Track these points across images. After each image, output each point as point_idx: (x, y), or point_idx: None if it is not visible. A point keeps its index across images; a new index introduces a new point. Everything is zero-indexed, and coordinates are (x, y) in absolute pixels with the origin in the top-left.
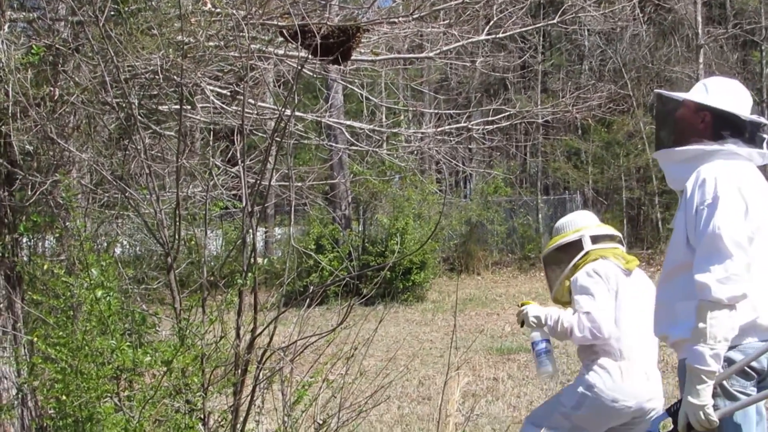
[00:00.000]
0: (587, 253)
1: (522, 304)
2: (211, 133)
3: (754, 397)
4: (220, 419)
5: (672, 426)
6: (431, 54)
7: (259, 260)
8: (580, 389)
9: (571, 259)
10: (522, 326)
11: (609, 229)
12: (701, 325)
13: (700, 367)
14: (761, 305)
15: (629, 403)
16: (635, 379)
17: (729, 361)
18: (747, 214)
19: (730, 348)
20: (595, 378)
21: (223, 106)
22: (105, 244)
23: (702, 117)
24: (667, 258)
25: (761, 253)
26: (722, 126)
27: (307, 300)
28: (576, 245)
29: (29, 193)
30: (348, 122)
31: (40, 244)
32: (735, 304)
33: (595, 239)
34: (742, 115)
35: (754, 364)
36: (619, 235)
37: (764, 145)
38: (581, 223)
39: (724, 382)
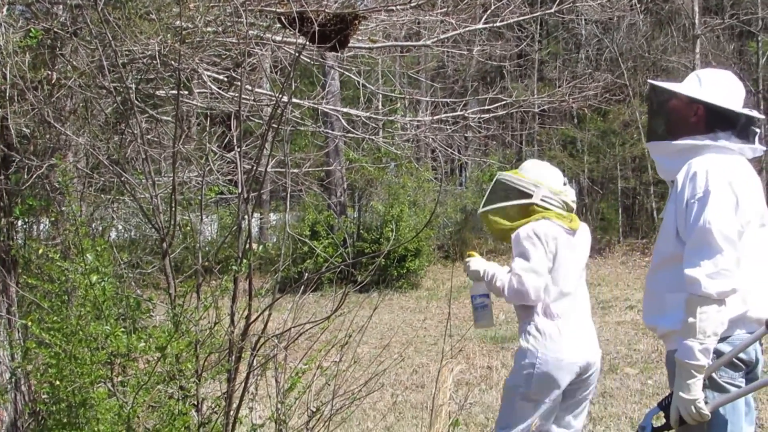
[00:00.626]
0: (531, 207)
1: (468, 256)
2: (208, 118)
3: (744, 389)
4: (213, 405)
5: (664, 420)
6: (428, 42)
7: (255, 246)
8: (524, 361)
9: (514, 198)
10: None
11: (562, 199)
12: (691, 319)
13: (689, 361)
14: (751, 298)
15: (573, 359)
16: (573, 336)
17: (718, 353)
18: (737, 209)
19: (720, 340)
20: (534, 343)
21: (220, 91)
22: (100, 229)
23: (695, 110)
24: (657, 249)
25: (751, 247)
26: (715, 120)
27: (302, 287)
28: (525, 195)
29: (25, 176)
30: (344, 109)
31: (35, 227)
32: (724, 298)
33: (546, 200)
34: (735, 109)
35: (742, 355)
36: (573, 206)
37: (756, 139)
38: (543, 179)
39: (713, 374)
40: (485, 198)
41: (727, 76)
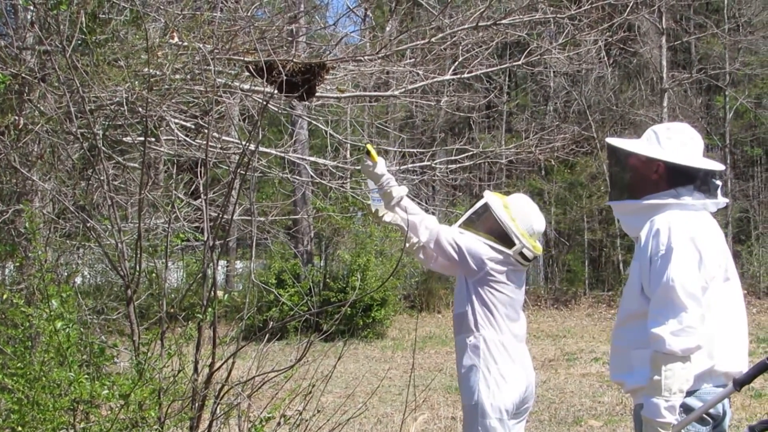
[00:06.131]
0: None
1: (367, 151)
2: (175, 165)
3: None
4: None
5: None
6: (396, 92)
7: (220, 293)
8: (471, 375)
9: (494, 238)
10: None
11: (532, 255)
12: (656, 377)
13: (655, 419)
14: (717, 352)
15: (517, 379)
16: (517, 353)
17: (686, 407)
18: (701, 264)
19: (688, 394)
20: (481, 355)
21: (188, 139)
22: (65, 274)
23: (655, 168)
24: (622, 305)
25: (716, 301)
26: (676, 177)
27: (267, 335)
28: (506, 242)
29: None
30: (312, 158)
31: (0, 272)
32: (689, 355)
33: (518, 254)
34: (695, 165)
35: (710, 410)
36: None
37: (718, 192)
38: (530, 233)
39: (681, 430)
40: (466, 216)
41: (684, 130)
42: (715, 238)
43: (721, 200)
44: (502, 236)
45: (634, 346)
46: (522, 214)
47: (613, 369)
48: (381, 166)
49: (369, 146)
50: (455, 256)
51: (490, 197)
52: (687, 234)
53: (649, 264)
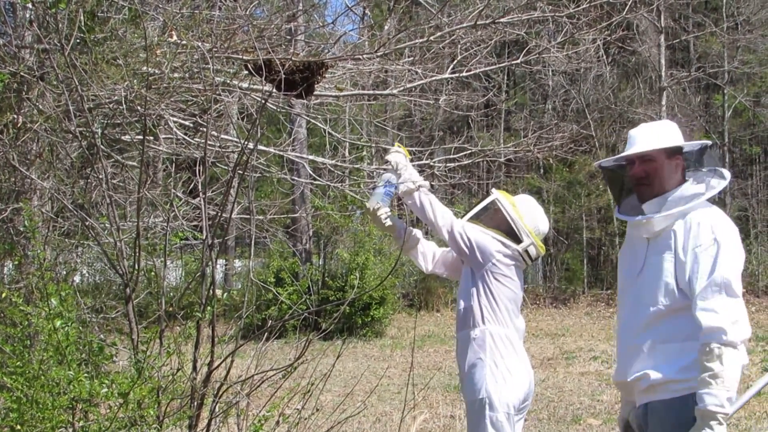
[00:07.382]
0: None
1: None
2: (174, 164)
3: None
4: None
5: None
6: (395, 91)
7: (219, 292)
8: (477, 370)
9: (502, 232)
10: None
11: (535, 254)
12: (717, 367)
13: (717, 410)
14: None
15: (522, 375)
16: (521, 349)
17: None
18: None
19: None
20: (487, 349)
21: (186, 137)
22: (64, 273)
23: (676, 159)
24: (644, 303)
25: None
26: (697, 160)
27: (266, 333)
28: (513, 237)
29: None
30: (310, 157)
31: None
32: (741, 345)
33: (523, 251)
34: (694, 143)
35: None
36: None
37: (724, 168)
38: (537, 232)
39: None
40: (475, 211)
41: (659, 124)
42: (738, 236)
43: (725, 173)
44: (510, 232)
45: (661, 341)
46: (529, 214)
47: (626, 366)
48: (408, 165)
49: (398, 143)
50: (465, 247)
51: (498, 195)
52: (729, 228)
53: (691, 257)
